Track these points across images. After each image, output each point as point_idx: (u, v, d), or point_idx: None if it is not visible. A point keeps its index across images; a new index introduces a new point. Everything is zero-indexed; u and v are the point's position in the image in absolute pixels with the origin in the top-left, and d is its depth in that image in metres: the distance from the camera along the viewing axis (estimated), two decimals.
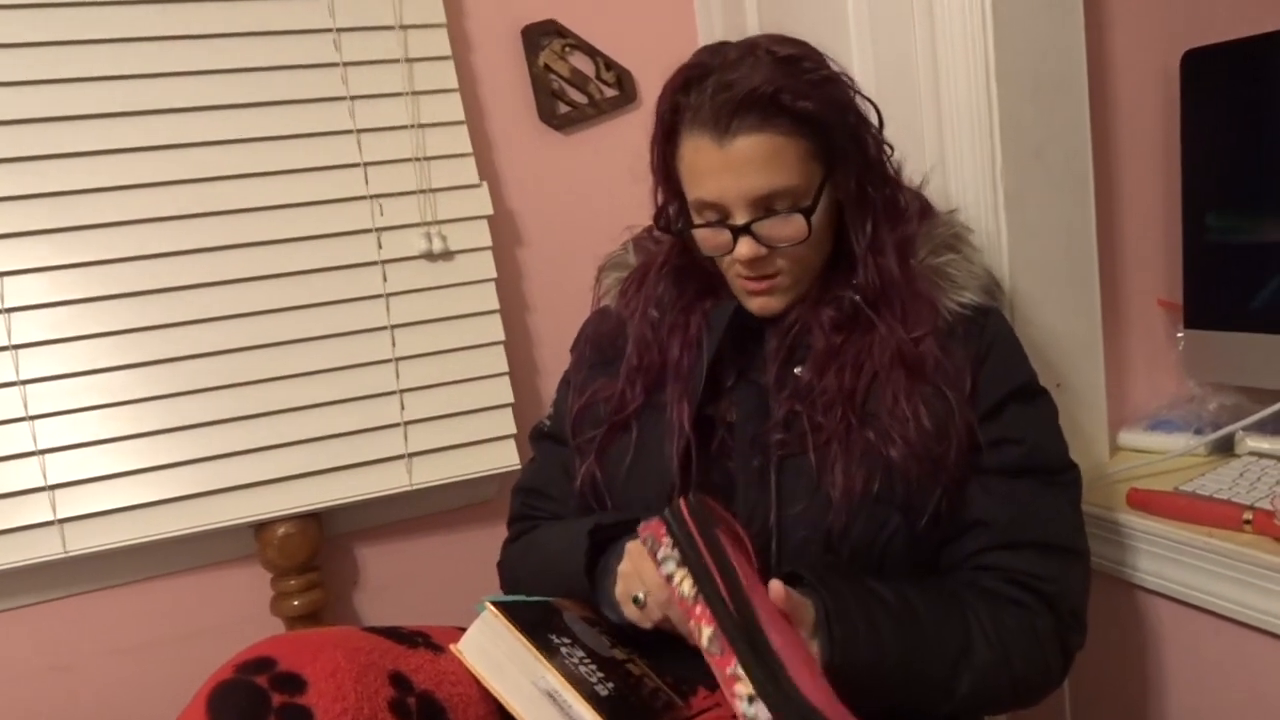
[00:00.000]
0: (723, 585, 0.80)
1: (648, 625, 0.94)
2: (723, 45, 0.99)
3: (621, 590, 0.96)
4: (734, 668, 0.75)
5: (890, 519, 0.96)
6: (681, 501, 0.86)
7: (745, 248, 0.97)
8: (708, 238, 1.01)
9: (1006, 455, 1.00)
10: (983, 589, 0.97)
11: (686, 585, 0.80)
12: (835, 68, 1.01)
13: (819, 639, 0.88)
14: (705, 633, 0.77)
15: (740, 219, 0.97)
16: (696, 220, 1.02)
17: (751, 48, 0.97)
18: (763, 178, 0.95)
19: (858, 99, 1.03)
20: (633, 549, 0.95)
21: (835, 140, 0.98)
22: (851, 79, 1.03)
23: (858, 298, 1.01)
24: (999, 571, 0.98)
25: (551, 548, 1.12)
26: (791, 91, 0.94)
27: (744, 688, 0.74)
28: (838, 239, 1.05)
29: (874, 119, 1.05)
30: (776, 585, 0.85)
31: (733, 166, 0.95)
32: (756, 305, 1.04)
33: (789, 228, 0.97)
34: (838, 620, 0.88)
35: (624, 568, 0.96)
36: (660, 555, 0.83)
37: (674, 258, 1.12)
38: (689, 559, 0.81)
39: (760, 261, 0.99)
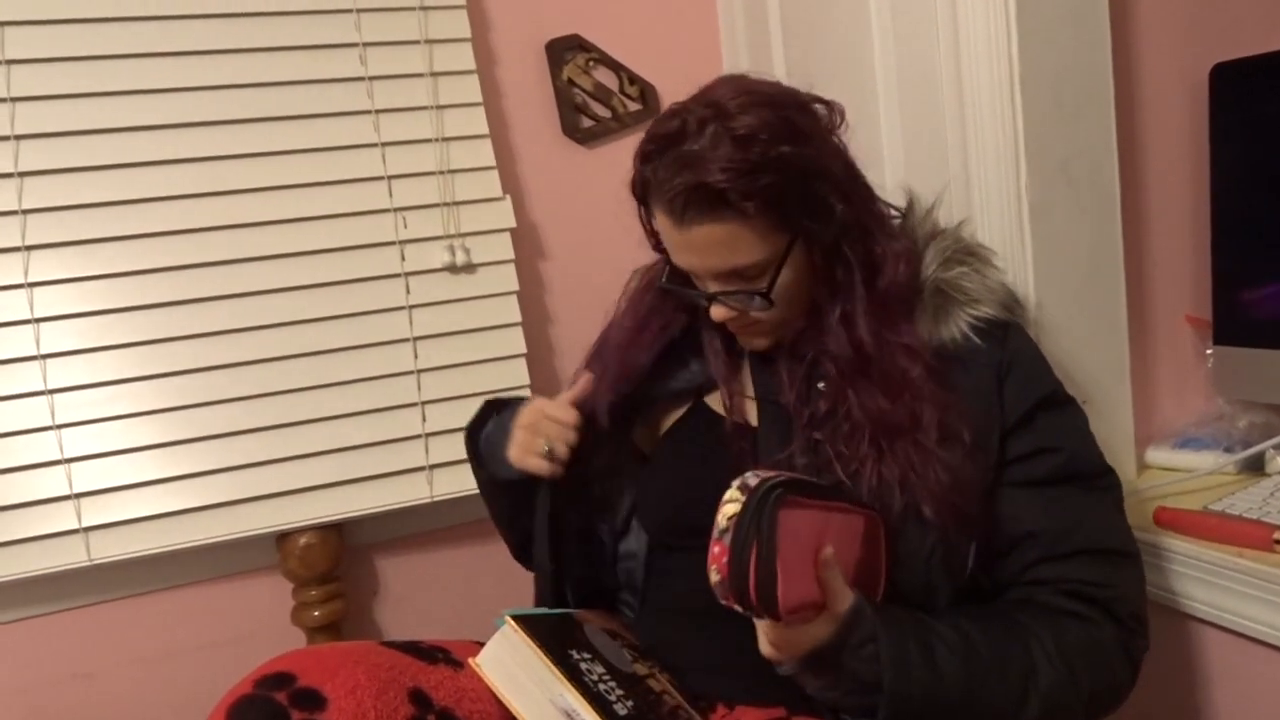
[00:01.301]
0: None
1: (556, 471, 1.05)
2: (685, 108, 0.96)
3: (517, 455, 1.07)
4: (735, 507, 0.79)
5: (928, 536, 0.95)
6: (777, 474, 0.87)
7: (717, 312, 1.01)
8: (687, 296, 1.05)
9: (1045, 465, 0.99)
10: (1040, 606, 0.96)
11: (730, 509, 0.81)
12: (800, 122, 0.96)
13: (832, 630, 0.86)
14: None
15: (709, 289, 1.00)
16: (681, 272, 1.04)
17: (713, 114, 0.93)
18: (722, 258, 0.96)
19: (834, 140, 1.00)
20: (518, 422, 1.07)
21: (794, 211, 0.95)
22: (820, 124, 0.99)
23: (830, 365, 1.00)
24: (1053, 584, 0.97)
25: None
26: (740, 191, 0.91)
27: (732, 507, 0.79)
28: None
29: (840, 161, 1.01)
30: (827, 549, 0.85)
31: (693, 248, 0.97)
32: (743, 344, 1.07)
33: (752, 301, 0.98)
34: (889, 645, 0.86)
35: (523, 420, 1.06)
36: (736, 486, 0.83)
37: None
38: (752, 497, 0.81)
39: (735, 319, 1.01)
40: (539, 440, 1.06)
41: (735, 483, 0.81)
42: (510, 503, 1.15)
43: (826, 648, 0.85)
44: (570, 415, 1.06)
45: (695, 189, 0.91)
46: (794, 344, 1.04)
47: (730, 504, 0.80)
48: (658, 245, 1.09)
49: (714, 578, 0.79)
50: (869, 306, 0.99)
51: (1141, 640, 0.99)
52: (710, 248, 0.95)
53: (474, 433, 1.18)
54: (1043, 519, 0.98)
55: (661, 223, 0.98)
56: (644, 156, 0.98)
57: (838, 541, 0.88)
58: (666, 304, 1.12)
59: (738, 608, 0.80)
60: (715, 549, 0.79)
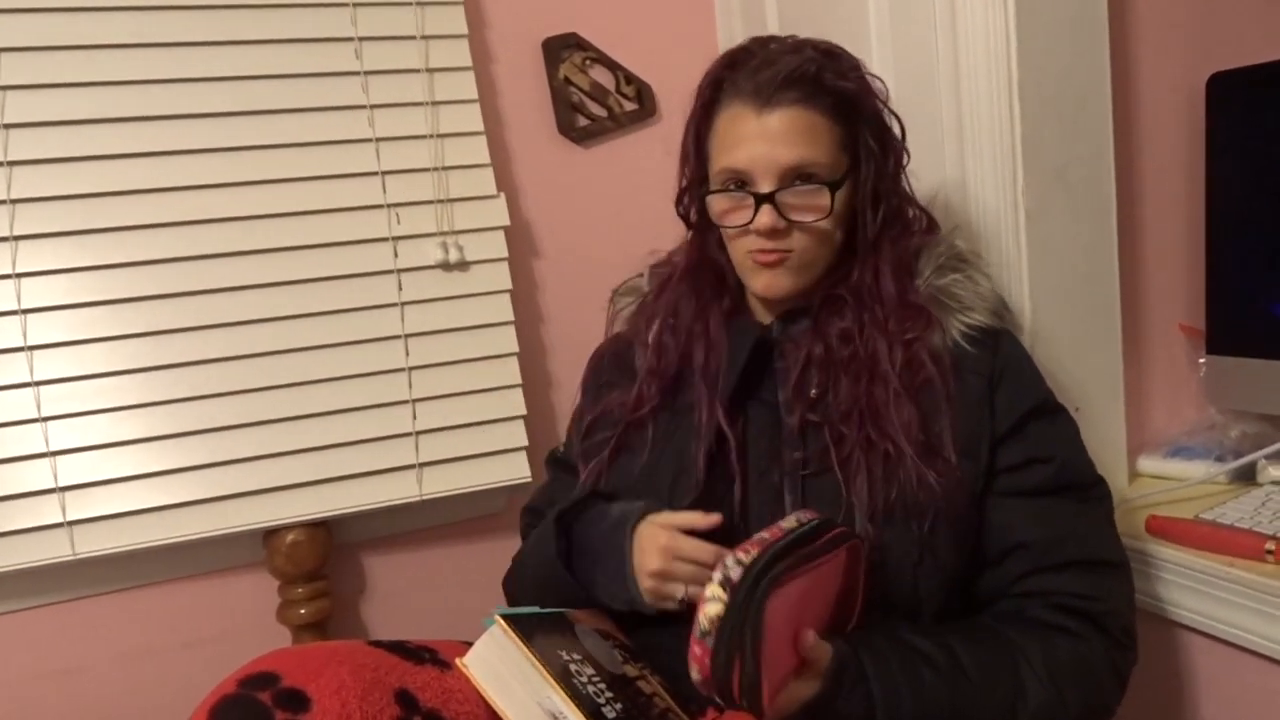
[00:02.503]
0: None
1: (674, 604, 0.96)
2: (770, 37, 1.05)
3: (658, 591, 0.96)
4: (717, 607, 0.77)
5: (918, 537, 0.95)
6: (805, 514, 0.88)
7: (766, 217, 0.99)
8: (729, 208, 1.03)
9: (1037, 475, 0.99)
10: (1030, 621, 0.96)
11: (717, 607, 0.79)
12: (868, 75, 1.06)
13: (819, 687, 0.86)
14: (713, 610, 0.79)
15: (765, 188, 0.99)
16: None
17: (798, 43, 1.03)
18: (796, 150, 0.98)
19: (885, 110, 1.06)
20: (654, 542, 0.95)
21: (863, 138, 1.01)
22: (885, 88, 1.07)
23: (847, 296, 1.03)
24: (1044, 597, 0.96)
25: (529, 548, 1.14)
26: (834, 72, 1.00)
27: (715, 607, 0.77)
28: (844, 245, 1.06)
29: (898, 131, 1.07)
30: (809, 633, 0.85)
31: (768, 136, 0.98)
32: (763, 283, 1.04)
33: (813, 200, 0.99)
34: (879, 680, 0.87)
35: (651, 566, 0.95)
36: (717, 582, 0.81)
37: (689, 265, 1.13)
38: (735, 598, 0.79)
39: (777, 234, 1.00)
40: (675, 586, 0.95)
41: (716, 576, 0.79)
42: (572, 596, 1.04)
43: (817, 702, 0.85)
44: (707, 554, 0.93)
45: (792, 71, 0.98)
46: (793, 340, 1.04)
47: (713, 603, 0.78)
48: (681, 198, 1.10)
49: (695, 676, 0.78)
50: (892, 261, 1.03)
51: (1130, 654, 0.99)
52: (787, 134, 0.98)
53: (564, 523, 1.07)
54: (1033, 530, 0.98)
55: (733, 118, 1.01)
56: (727, 62, 1.03)
57: (820, 592, 0.87)
58: (703, 295, 1.12)
59: (719, 701, 0.79)
60: (696, 649, 0.77)
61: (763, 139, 0.98)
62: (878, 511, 0.94)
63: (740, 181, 1.01)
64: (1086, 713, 0.94)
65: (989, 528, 0.99)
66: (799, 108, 0.98)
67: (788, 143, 0.98)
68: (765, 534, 0.84)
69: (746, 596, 0.77)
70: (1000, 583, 0.99)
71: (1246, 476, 1.24)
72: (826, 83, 0.99)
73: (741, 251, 1.04)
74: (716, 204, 1.04)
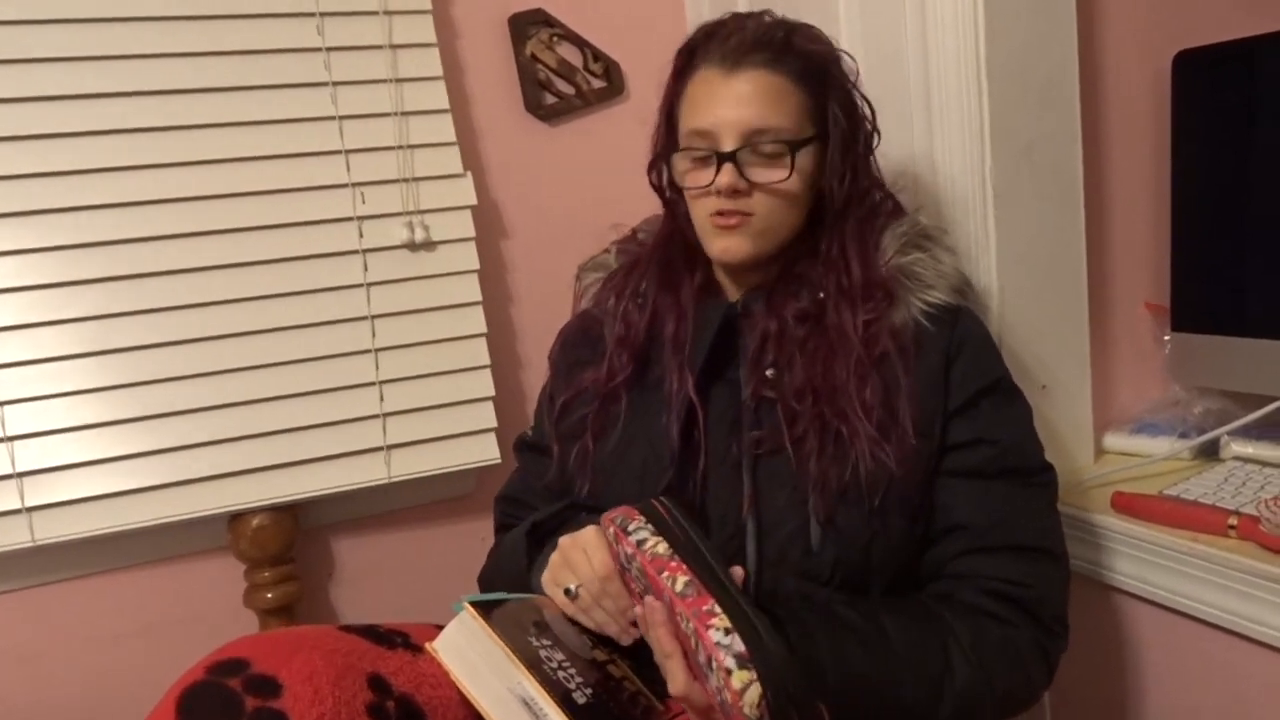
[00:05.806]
0: (700, 543, 0.84)
1: (581, 618, 0.96)
2: (749, 14, 1.05)
3: (548, 578, 0.98)
4: (710, 605, 0.78)
5: (871, 518, 0.95)
6: (655, 500, 0.90)
7: (726, 176, 0.99)
8: (691, 168, 1.03)
9: (982, 456, 0.99)
10: (961, 604, 0.95)
11: (661, 547, 0.83)
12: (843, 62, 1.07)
13: None
14: (680, 580, 0.80)
15: (727, 147, 0.99)
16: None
17: (774, 19, 1.05)
18: (759, 111, 0.98)
19: (855, 92, 1.06)
20: (563, 542, 0.97)
21: (830, 109, 1.02)
22: (856, 68, 1.08)
23: (811, 272, 1.04)
24: (977, 580, 0.96)
25: (504, 551, 1.13)
26: (804, 37, 1.02)
27: (720, 621, 0.77)
28: (807, 226, 1.06)
29: (868, 113, 1.07)
30: (738, 569, 0.86)
31: (734, 97, 0.99)
32: (720, 247, 1.03)
33: (774, 161, 0.99)
34: (802, 649, 0.86)
35: (554, 558, 0.98)
36: (631, 528, 0.85)
37: (661, 239, 1.13)
38: (664, 527, 0.85)
39: (737, 194, 1.00)
40: (567, 573, 0.97)
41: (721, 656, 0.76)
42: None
43: None
44: (602, 564, 0.93)
45: (762, 34, 1.00)
46: (753, 316, 1.04)
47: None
48: (654, 165, 1.10)
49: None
50: (858, 238, 1.04)
51: (1061, 642, 0.99)
52: (754, 97, 0.98)
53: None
54: (972, 512, 0.98)
55: (702, 82, 1.01)
56: (704, 33, 1.04)
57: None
58: (675, 268, 1.12)
59: None
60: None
61: (728, 100, 0.99)
62: (830, 490, 0.94)
63: (707, 142, 1.01)
64: (1011, 697, 0.94)
65: (932, 507, 0.99)
66: (765, 70, 0.99)
67: (751, 104, 0.98)
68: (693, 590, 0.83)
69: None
70: (937, 562, 0.99)
71: (1210, 453, 1.25)
72: (795, 46, 1.00)
73: (703, 215, 1.04)
74: (679, 164, 1.05)
